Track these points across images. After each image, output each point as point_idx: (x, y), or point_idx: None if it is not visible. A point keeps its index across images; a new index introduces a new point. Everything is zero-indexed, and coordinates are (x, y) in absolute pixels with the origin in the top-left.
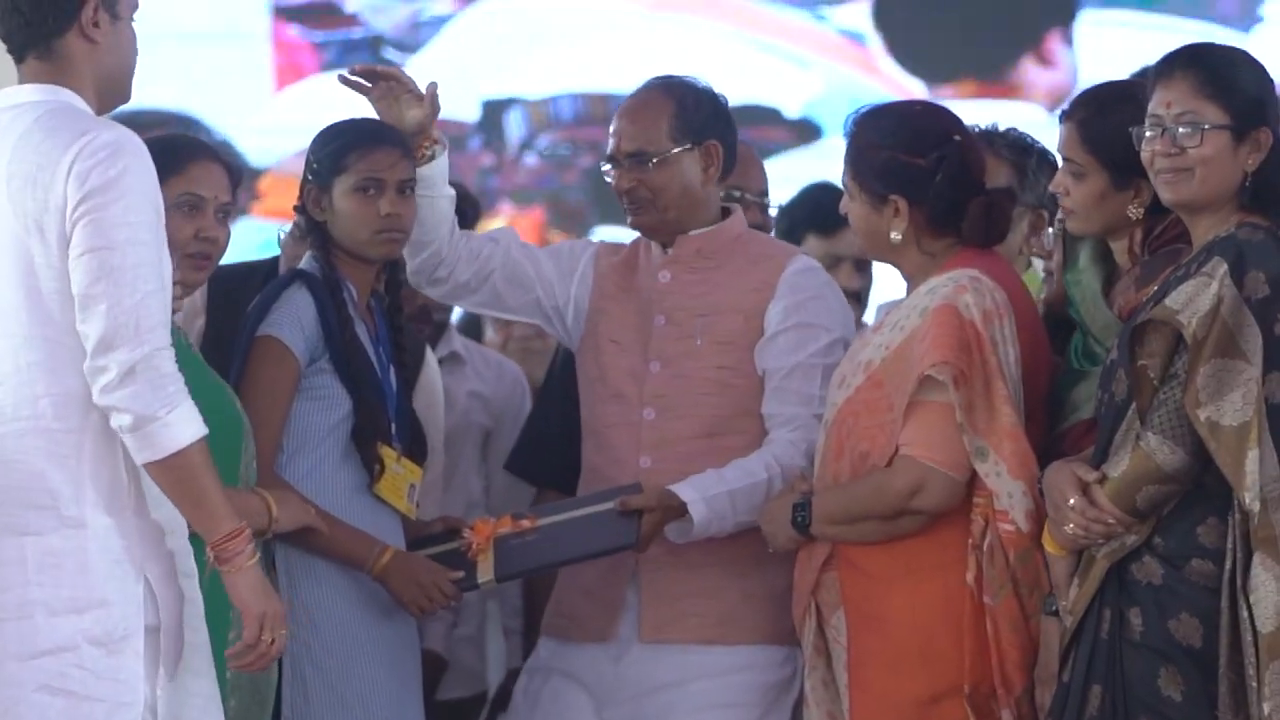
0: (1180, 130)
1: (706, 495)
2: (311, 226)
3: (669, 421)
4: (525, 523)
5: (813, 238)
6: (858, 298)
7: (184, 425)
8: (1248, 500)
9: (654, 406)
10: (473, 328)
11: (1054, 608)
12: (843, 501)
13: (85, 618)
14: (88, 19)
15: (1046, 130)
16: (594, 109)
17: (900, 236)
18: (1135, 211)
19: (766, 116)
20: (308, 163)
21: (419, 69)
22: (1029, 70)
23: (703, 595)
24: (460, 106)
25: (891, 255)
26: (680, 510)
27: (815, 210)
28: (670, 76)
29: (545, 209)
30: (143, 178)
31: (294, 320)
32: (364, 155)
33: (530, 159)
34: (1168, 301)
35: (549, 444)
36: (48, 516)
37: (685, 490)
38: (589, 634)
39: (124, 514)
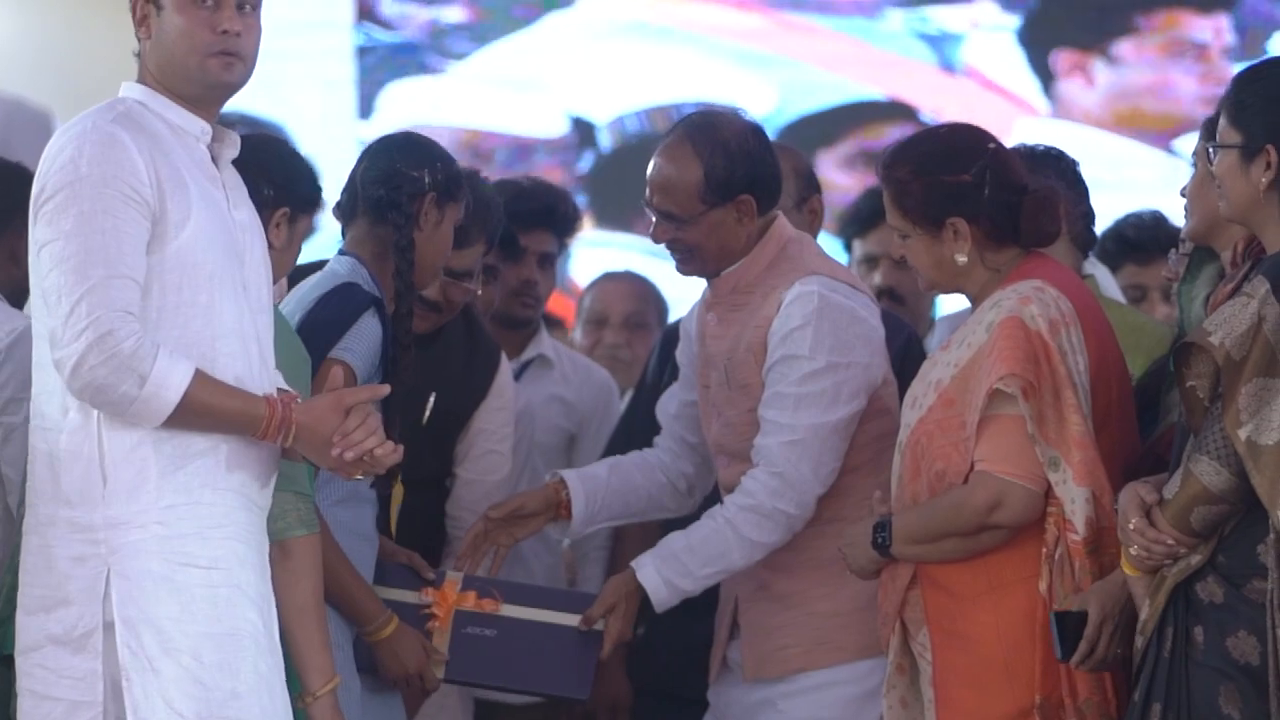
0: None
1: (658, 557)
2: (408, 238)
3: (734, 466)
4: (488, 603)
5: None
6: (891, 295)
7: (165, 385)
8: None
9: (724, 454)
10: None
11: None
12: (922, 520)
13: (51, 617)
14: (137, 15)
15: None
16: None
17: (965, 258)
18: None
19: None
20: (430, 169)
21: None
22: None
23: (793, 625)
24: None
25: (959, 280)
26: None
27: (854, 215)
28: (701, 126)
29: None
30: (101, 164)
31: (368, 351)
32: (466, 196)
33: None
34: (1205, 323)
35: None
36: (32, 515)
37: (640, 559)
38: (715, 663)
39: (93, 509)
